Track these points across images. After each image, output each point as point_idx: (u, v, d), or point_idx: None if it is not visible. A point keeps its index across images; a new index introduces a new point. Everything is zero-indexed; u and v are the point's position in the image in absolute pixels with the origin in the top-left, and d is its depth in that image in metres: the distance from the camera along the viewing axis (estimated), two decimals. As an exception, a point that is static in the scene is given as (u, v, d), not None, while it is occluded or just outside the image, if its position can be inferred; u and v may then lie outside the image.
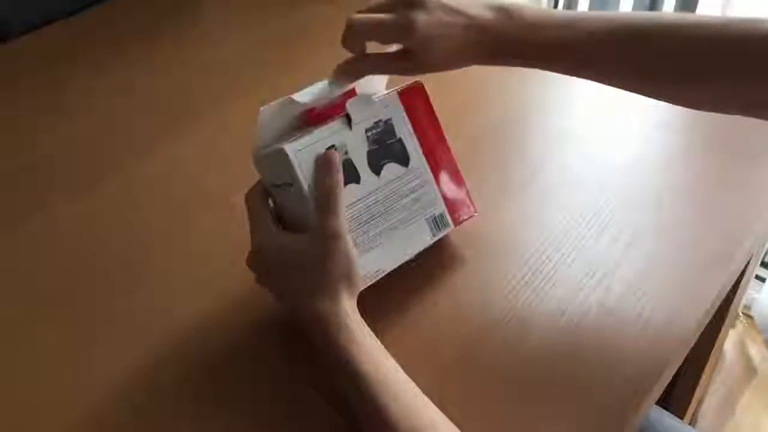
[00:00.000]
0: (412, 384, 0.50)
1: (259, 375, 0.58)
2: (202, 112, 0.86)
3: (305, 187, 0.54)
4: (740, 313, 1.53)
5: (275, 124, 0.57)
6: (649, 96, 0.57)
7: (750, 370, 1.48)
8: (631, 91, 0.57)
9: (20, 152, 0.82)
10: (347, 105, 0.57)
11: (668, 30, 0.54)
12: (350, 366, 0.49)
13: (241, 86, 0.90)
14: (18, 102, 0.90)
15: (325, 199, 0.54)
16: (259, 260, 0.57)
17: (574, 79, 0.90)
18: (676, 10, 1.59)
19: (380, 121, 0.59)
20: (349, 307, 0.53)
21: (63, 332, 0.61)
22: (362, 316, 0.53)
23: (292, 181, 0.55)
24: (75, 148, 0.82)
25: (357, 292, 0.55)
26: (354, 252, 0.54)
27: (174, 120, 0.85)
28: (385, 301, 0.61)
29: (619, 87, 0.57)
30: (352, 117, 0.57)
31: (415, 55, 0.55)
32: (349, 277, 0.54)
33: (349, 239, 0.54)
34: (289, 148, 0.54)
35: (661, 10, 1.63)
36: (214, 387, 0.57)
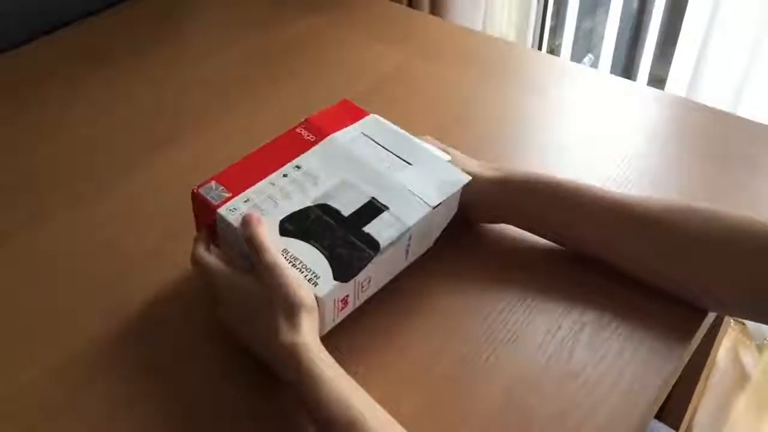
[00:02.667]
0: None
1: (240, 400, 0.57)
2: (184, 130, 0.85)
3: None
4: (732, 321, 1.54)
5: None
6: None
7: (743, 376, 1.48)
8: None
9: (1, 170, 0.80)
10: None
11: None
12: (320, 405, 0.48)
13: (223, 104, 0.89)
14: None
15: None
16: (224, 308, 0.58)
17: (571, 93, 0.90)
18: (665, 9, 1.60)
19: None
20: (314, 338, 0.52)
21: (44, 353, 0.60)
22: (347, 343, 0.54)
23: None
24: (55, 167, 0.80)
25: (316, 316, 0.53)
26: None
27: (156, 139, 0.83)
28: (371, 325, 0.60)
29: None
30: None
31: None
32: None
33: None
34: None
35: (651, 10, 1.63)
36: (195, 414, 0.56)
